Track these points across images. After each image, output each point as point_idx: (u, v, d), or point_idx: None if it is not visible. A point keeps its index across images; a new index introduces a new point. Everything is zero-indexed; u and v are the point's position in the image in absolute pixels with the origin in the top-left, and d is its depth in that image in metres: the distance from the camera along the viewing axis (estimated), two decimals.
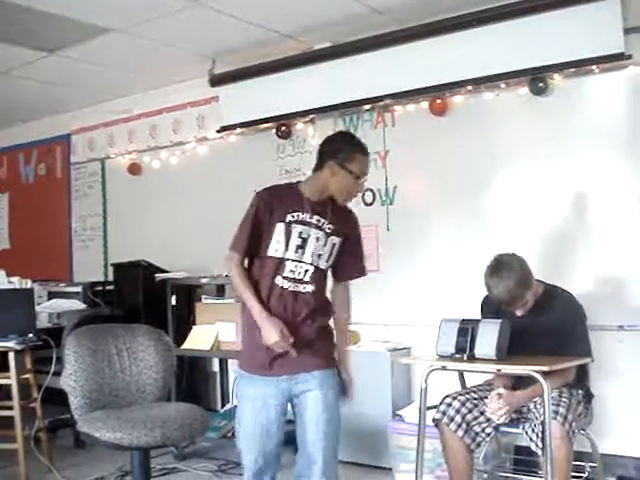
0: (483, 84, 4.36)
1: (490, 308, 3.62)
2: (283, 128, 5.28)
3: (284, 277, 2.97)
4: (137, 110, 6.23)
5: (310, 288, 2.99)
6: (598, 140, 4.12)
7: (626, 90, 4.08)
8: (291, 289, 2.97)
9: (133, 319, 4.75)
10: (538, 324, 3.45)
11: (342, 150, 2.99)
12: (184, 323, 5.15)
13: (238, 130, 5.46)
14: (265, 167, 5.37)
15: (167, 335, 4.00)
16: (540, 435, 3.19)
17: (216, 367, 5.59)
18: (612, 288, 4.03)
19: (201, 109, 5.80)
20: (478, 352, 3.33)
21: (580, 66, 4.05)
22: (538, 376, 3.09)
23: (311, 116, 5.12)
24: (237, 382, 3.18)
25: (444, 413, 3.47)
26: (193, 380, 5.43)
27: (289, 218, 2.97)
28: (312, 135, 5.21)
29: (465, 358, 3.35)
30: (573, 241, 4.14)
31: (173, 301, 5.16)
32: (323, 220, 3.00)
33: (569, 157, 4.19)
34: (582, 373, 3.54)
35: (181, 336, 4.99)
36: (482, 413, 3.45)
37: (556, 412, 3.19)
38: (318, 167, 3.04)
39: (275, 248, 2.97)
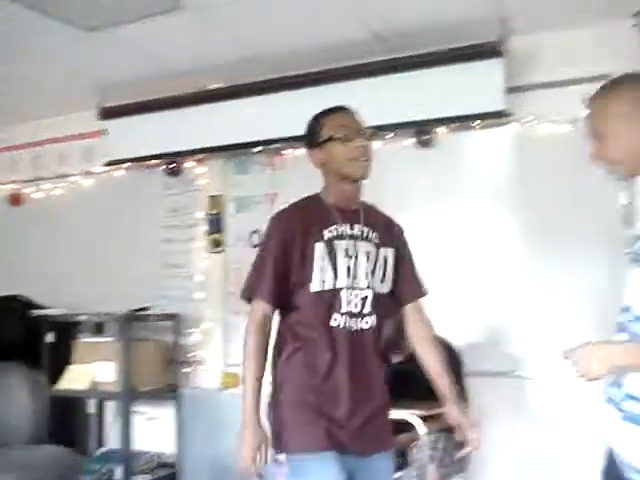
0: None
1: None
2: (172, 166, 5.23)
3: (342, 314, 2.27)
4: (21, 140, 6.04)
5: (372, 321, 2.33)
6: (481, 193, 4.28)
7: (507, 146, 4.26)
8: (352, 328, 2.28)
9: (7, 357, 4.55)
10: (417, 369, 3.51)
11: (313, 130, 2.45)
12: (62, 362, 4.95)
13: (126, 165, 5.37)
14: (152, 204, 5.31)
15: (42, 374, 3.86)
16: (418, 479, 3.23)
17: (93, 409, 5.40)
18: (490, 335, 4.15)
19: (88, 142, 5.68)
20: None
21: (464, 121, 4.21)
22: (415, 421, 3.14)
23: (201, 155, 5.10)
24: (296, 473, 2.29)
25: None
26: (68, 422, 5.21)
27: (327, 235, 2.30)
28: (201, 174, 5.19)
29: None
30: (452, 289, 4.24)
31: (51, 338, 4.96)
32: (367, 229, 2.38)
33: (454, 208, 4.33)
34: None
35: (58, 375, 4.79)
36: None
37: (432, 457, 3.24)
38: (321, 170, 2.48)
39: (321, 279, 2.26)
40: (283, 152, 4.87)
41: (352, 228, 2.35)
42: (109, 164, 5.39)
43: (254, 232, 4.86)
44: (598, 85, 4.06)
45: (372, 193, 4.43)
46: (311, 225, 2.31)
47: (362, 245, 2.34)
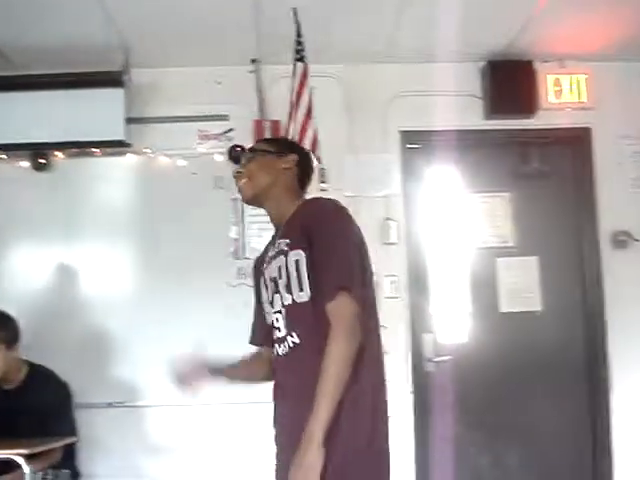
0: None
1: None
2: None
3: (274, 340, 2.19)
4: None
5: (292, 340, 2.10)
6: (100, 221, 4.20)
7: (127, 176, 4.28)
8: (280, 353, 2.16)
9: None
10: (23, 405, 3.37)
11: None
12: None
13: None
14: None
15: None
16: None
17: None
18: (101, 367, 4.09)
19: None
20: None
21: (83, 147, 4.14)
22: (20, 460, 3.00)
23: None
24: None
25: None
26: None
27: (264, 266, 2.28)
28: None
29: None
30: (65, 321, 4.11)
31: None
32: (281, 240, 2.17)
33: (70, 236, 4.20)
34: (68, 452, 3.53)
35: None
36: None
37: None
38: None
39: (266, 311, 2.26)
40: None
41: (276, 247, 2.20)
42: None
43: None
44: (215, 124, 4.35)
45: None
46: (261, 260, 2.34)
47: (274, 262, 2.17)
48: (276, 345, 2.16)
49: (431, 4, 3.57)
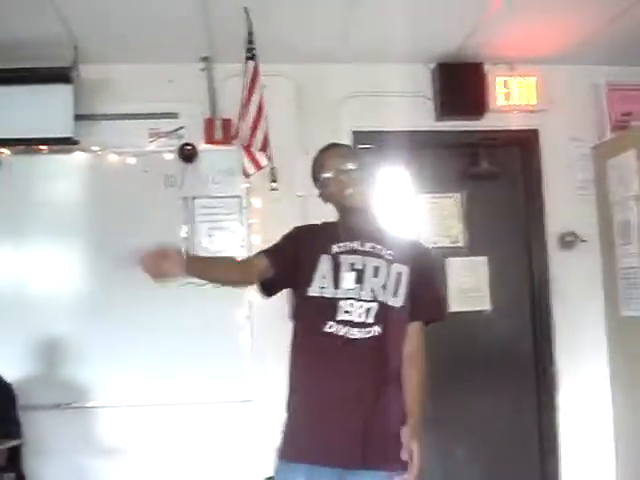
0: None
1: None
2: None
3: (338, 321, 2.36)
4: None
5: (377, 330, 2.36)
6: (49, 219, 4.12)
7: (75, 174, 4.20)
8: (348, 336, 2.35)
9: None
10: None
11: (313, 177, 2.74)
12: None
13: None
14: None
15: None
16: None
17: None
18: (47, 367, 4.01)
19: None
20: None
21: (30, 144, 4.07)
22: None
23: None
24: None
25: None
26: None
27: (335, 249, 2.46)
28: None
29: None
30: (11, 320, 4.01)
31: None
32: (380, 246, 2.48)
33: (18, 235, 4.11)
34: (13, 455, 3.48)
35: None
36: None
37: None
38: None
39: (320, 285, 2.40)
40: None
41: (363, 245, 2.46)
42: None
43: None
44: (165, 121, 4.32)
45: None
46: (323, 238, 2.49)
47: (370, 260, 2.44)
48: (340, 325, 2.35)
49: (382, 5, 3.60)
